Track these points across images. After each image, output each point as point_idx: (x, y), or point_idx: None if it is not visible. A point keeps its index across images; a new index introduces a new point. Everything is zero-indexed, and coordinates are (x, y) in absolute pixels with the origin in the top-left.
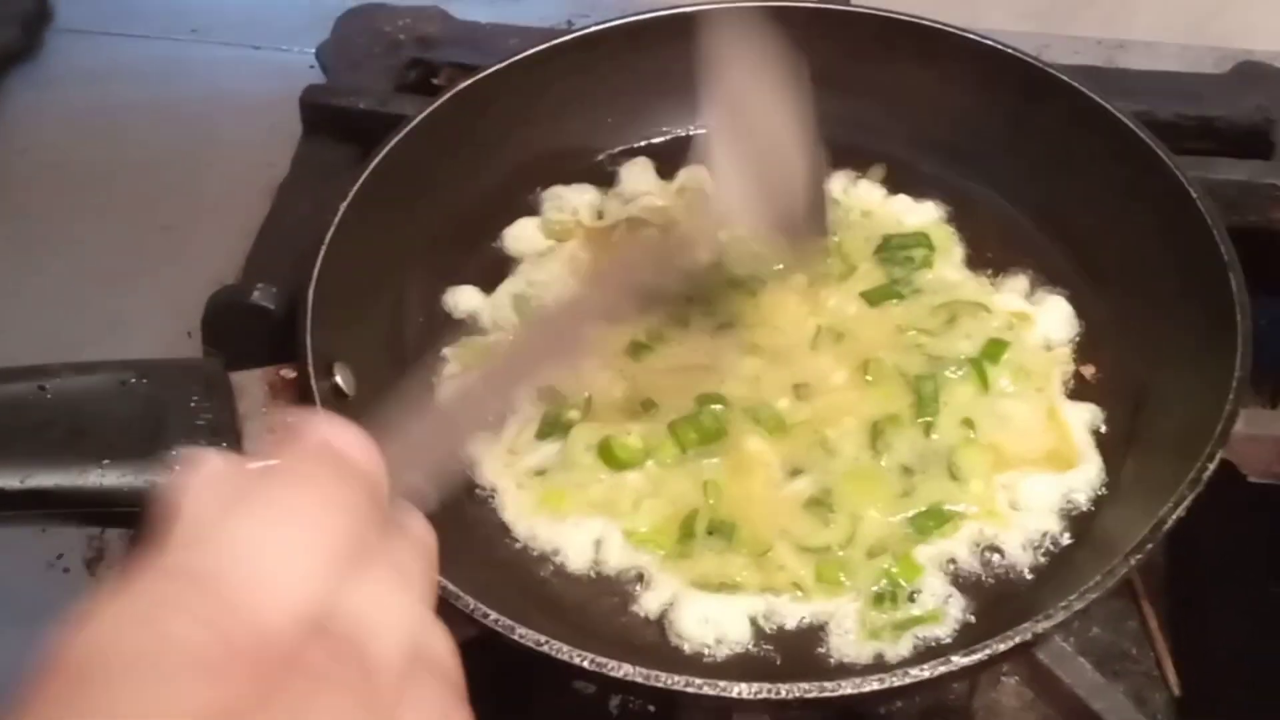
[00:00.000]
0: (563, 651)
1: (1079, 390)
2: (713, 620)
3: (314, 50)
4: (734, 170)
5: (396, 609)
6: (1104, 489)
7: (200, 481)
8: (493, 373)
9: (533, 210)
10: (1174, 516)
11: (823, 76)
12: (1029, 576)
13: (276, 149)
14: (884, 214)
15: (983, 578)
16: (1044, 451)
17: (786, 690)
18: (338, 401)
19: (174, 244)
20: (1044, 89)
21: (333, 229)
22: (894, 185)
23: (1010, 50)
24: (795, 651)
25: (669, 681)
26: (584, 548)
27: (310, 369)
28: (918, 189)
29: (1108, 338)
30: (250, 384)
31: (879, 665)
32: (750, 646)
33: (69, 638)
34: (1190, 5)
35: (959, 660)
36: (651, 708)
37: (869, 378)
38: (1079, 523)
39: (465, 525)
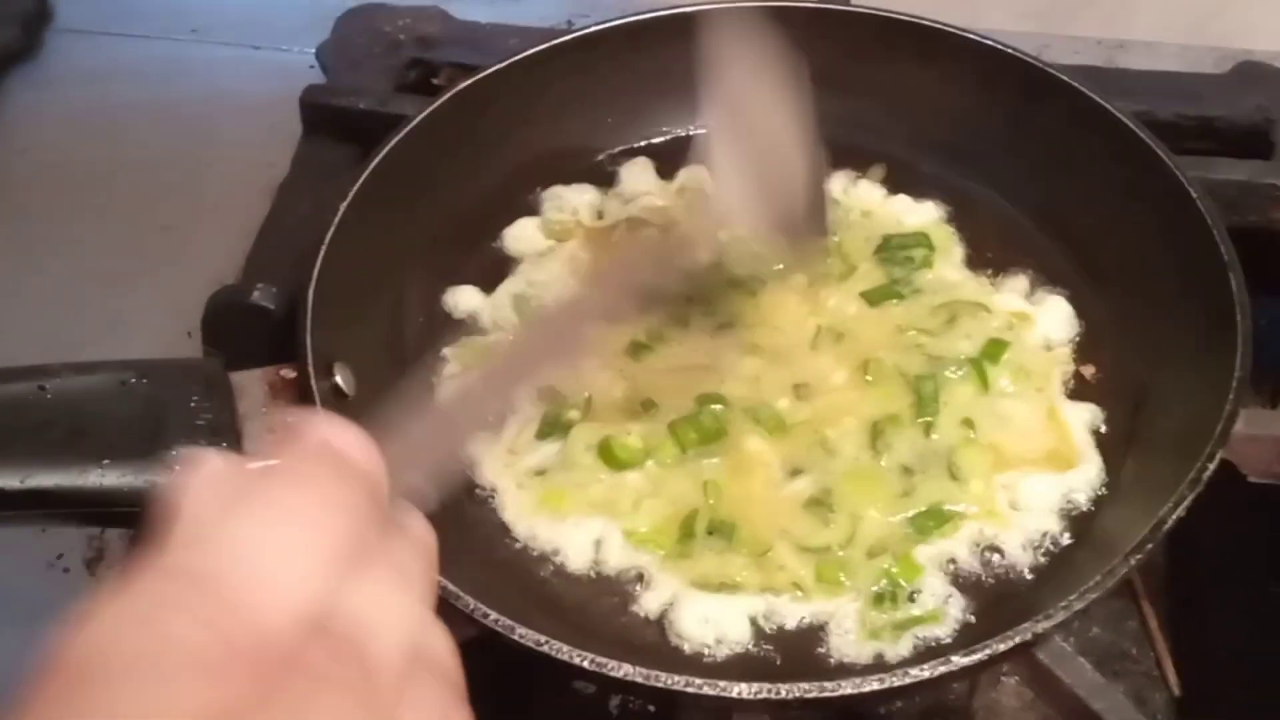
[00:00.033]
0: (563, 651)
1: (1079, 390)
2: (713, 620)
3: (314, 50)
4: (734, 170)
5: (396, 609)
6: (1104, 489)
7: (200, 481)
8: (493, 372)
9: (533, 210)
10: (1174, 516)
11: (823, 76)
12: (1029, 576)
13: (276, 149)
14: (884, 214)
15: (983, 578)
16: (1044, 451)
17: (786, 690)
18: (338, 401)
19: (174, 244)
20: (1044, 89)
21: (333, 229)
22: (894, 185)
23: (1010, 50)
24: (795, 651)
25: (669, 681)
26: (584, 548)
27: (310, 369)
28: (918, 189)
29: (1108, 338)
30: (250, 384)
31: (879, 665)
32: (750, 646)
33: (69, 638)
34: (1190, 5)
35: (959, 660)
36: (651, 708)
37: (869, 378)
38: (1079, 523)
39: (465, 525)
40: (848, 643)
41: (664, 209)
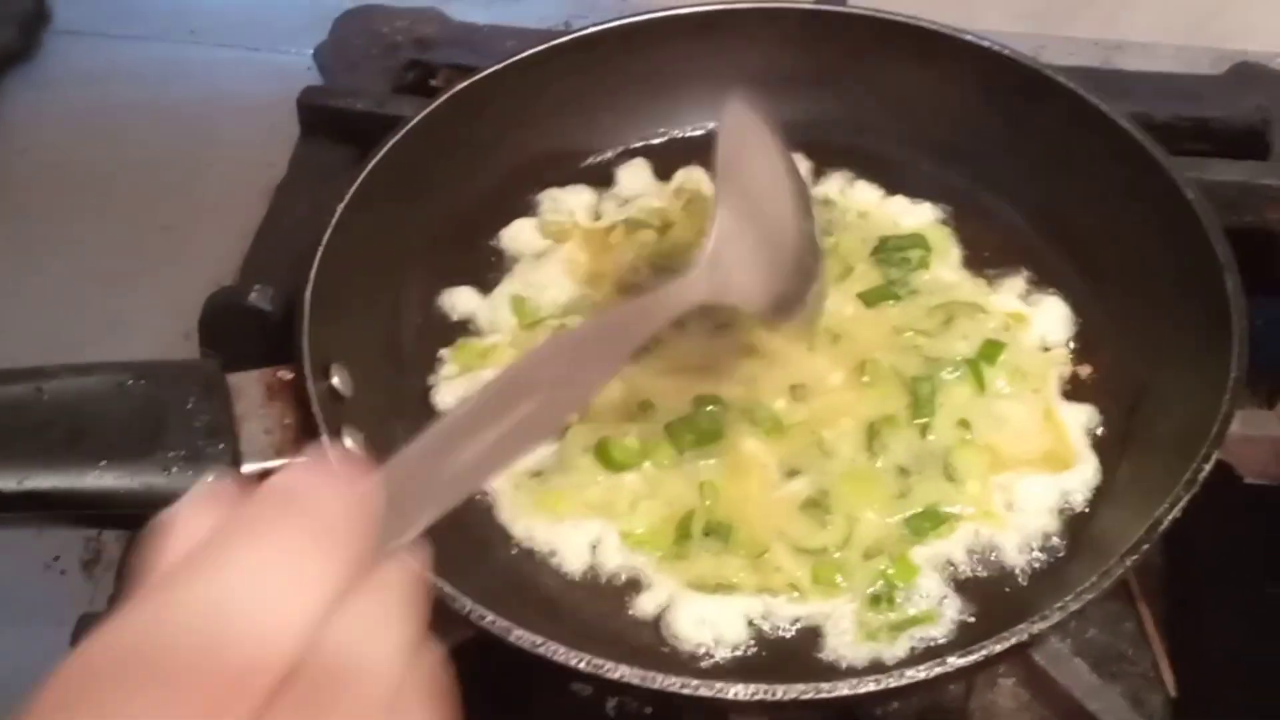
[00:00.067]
0: (559, 653)
1: (1075, 391)
2: (709, 621)
3: (312, 52)
4: (735, 241)
5: (382, 644)
6: (1100, 490)
7: (178, 530)
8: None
9: (530, 211)
10: (1170, 517)
11: (820, 77)
12: (1025, 578)
13: (274, 150)
14: (881, 215)
15: (979, 578)
16: (1040, 452)
17: (783, 691)
18: (335, 403)
19: (172, 245)
20: (1041, 90)
21: (330, 230)
22: (891, 186)
23: (1007, 51)
24: (791, 653)
25: (665, 683)
26: (581, 549)
27: (307, 370)
28: (915, 190)
29: (1104, 338)
30: (247, 385)
31: (875, 666)
32: (747, 648)
33: (35, 695)
34: (1187, 6)
35: (955, 661)
36: (648, 709)
37: (865, 379)
38: (1075, 524)
39: (462, 527)
40: (844, 644)
41: (661, 210)
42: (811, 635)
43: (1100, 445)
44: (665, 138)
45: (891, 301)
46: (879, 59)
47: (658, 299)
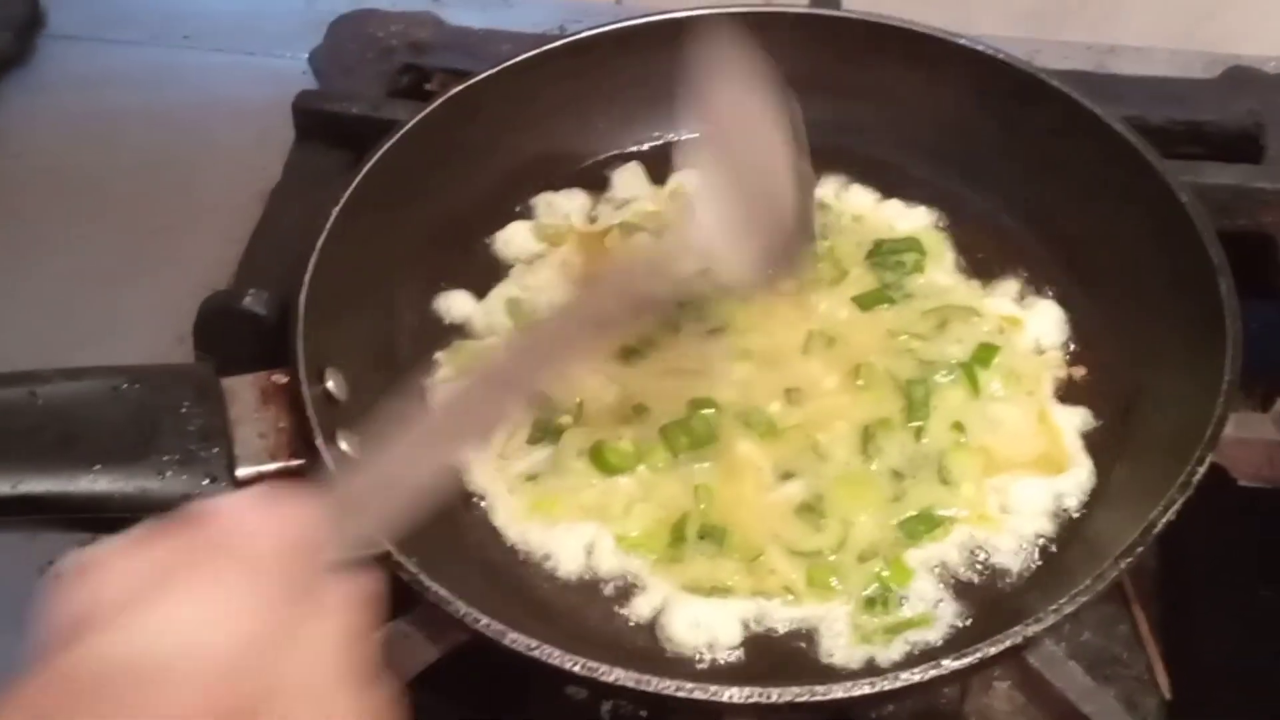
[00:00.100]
0: (554, 656)
1: (1069, 394)
2: (704, 624)
3: (307, 56)
4: (717, 187)
5: (321, 678)
6: (1094, 492)
7: (99, 579)
8: (481, 383)
9: (525, 215)
10: (1164, 520)
11: (814, 81)
12: (1020, 580)
13: (269, 154)
14: (875, 219)
15: (974, 581)
16: (1034, 455)
17: (777, 694)
18: (330, 406)
19: (166, 249)
20: (1035, 94)
21: (325, 234)
22: (885, 190)
23: (1001, 55)
24: (786, 655)
25: (660, 686)
26: (575, 553)
27: (302, 374)
28: (909, 194)
29: (1098, 341)
30: (242, 389)
31: (870, 669)
32: (741, 650)
33: None
34: (1180, 11)
35: (949, 664)
36: (643, 712)
37: (860, 382)
38: (1069, 526)
39: (457, 530)
40: (839, 646)
41: (656, 214)
42: (806, 638)
43: (1094, 448)
44: (660, 141)
45: (886, 305)
46: (873, 63)
47: (632, 276)
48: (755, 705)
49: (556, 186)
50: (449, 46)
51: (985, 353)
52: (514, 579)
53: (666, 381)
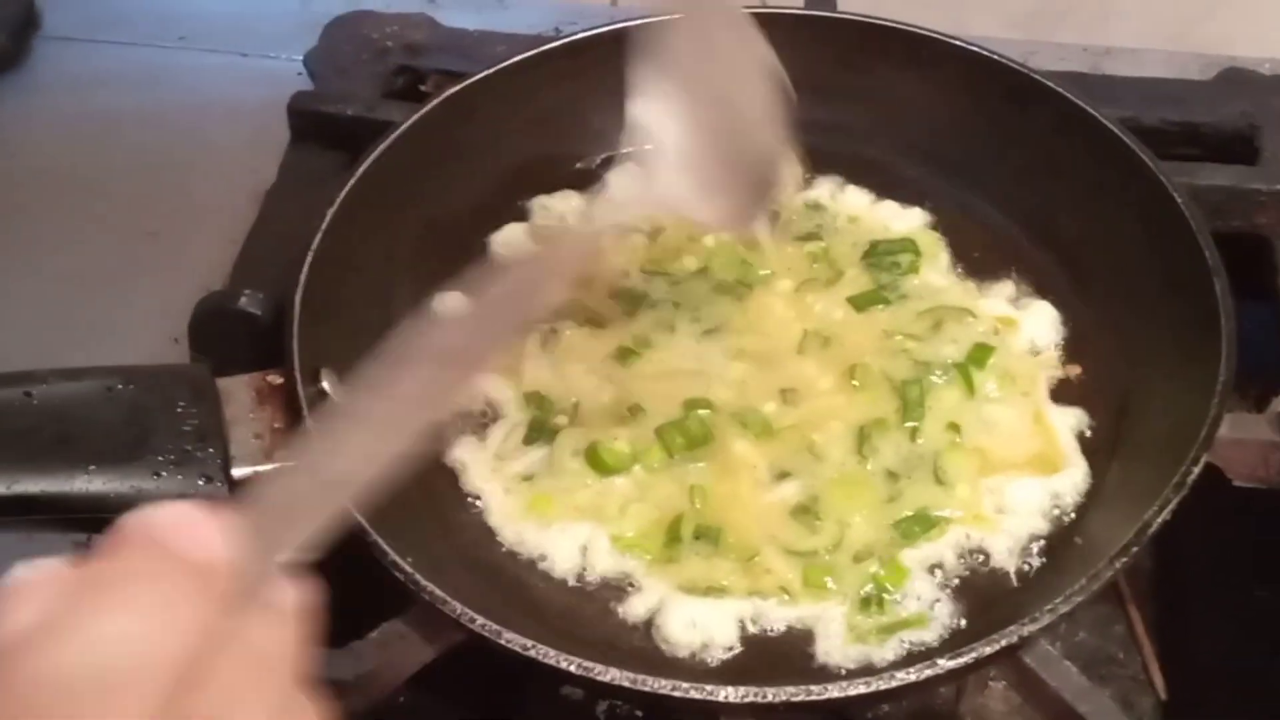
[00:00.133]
0: (549, 656)
1: (1064, 394)
2: (699, 624)
3: (302, 57)
4: (682, 133)
5: (252, 699)
6: (1089, 493)
7: (30, 597)
8: (422, 365)
9: (521, 216)
10: (1159, 520)
11: (809, 83)
12: (1015, 580)
13: (264, 155)
14: (871, 220)
15: (969, 581)
16: (1029, 455)
17: (773, 694)
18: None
19: (162, 250)
20: (1030, 95)
21: (320, 235)
22: (881, 191)
23: (996, 56)
24: (782, 655)
25: (655, 685)
26: (571, 553)
27: (297, 375)
28: (904, 195)
29: (1093, 342)
30: (237, 390)
31: (865, 669)
32: (737, 650)
33: None
34: (1175, 12)
35: (945, 664)
36: (639, 712)
37: (855, 383)
38: (1064, 526)
39: (452, 530)
40: (834, 646)
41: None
42: (802, 638)
43: (1090, 448)
44: None
45: (881, 306)
46: (869, 64)
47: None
48: (751, 705)
49: (552, 188)
50: (444, 48)
51: (980, 353)
52: (510, 579)
53: (662, 382)
